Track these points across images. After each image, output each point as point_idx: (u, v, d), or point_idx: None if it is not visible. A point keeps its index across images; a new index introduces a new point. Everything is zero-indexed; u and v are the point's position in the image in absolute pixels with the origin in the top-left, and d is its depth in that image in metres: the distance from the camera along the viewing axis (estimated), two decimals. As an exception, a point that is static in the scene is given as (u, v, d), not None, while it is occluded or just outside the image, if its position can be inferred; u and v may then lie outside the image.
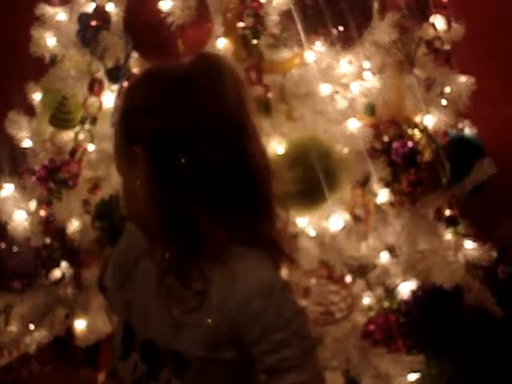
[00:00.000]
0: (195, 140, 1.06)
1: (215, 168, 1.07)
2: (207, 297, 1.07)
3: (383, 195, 1.94)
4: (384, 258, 1.94)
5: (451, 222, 2.08)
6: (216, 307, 1.07)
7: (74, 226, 1.93)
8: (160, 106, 1.08)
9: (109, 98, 1.97)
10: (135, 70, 1.93)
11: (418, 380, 1.91)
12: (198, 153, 1.06)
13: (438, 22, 2.08)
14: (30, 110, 2.18)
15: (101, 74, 1.96)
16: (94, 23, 1.94)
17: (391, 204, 1.96)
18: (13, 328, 2.04)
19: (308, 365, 1.10)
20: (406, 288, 1.94)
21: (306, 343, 1.11)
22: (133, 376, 1.14)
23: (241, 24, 1.81)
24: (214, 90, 1.08)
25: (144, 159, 1.07)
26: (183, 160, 1.06)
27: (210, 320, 1.07)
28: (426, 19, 2.08)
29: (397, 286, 1.94)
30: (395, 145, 1.95)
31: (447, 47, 2.11)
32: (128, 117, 1.12)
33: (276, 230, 1.13)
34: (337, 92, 1.89)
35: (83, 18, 2.01)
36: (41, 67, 2.14)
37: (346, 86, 1.92)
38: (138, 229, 1.16)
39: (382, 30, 1.94)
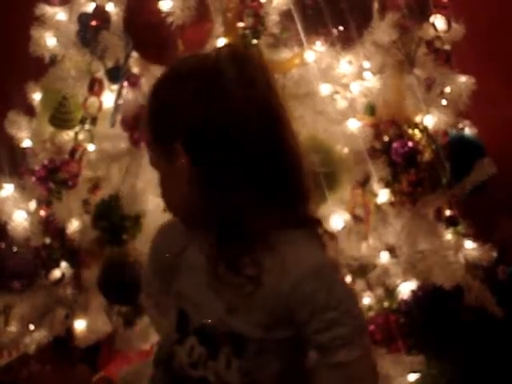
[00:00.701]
0: (234, 130, 1.09)
1: (256, 156, 1.10)
2: (261, 283, 1.10)
3: (383, 195, 1.94)
4: (384, 258, 1.94)
5: (451, 222, 2.07)
6: (269, 292, 1.10)
7: (73, 226, 1.93)
8: (196, 100, 1.10)
9: (109, 98, 1.97)
10: (135, 70, 1.93)
11: (418, 380, 1.91)
12: (238, 142, 1.09)
13: (438, 21, 2.08)
14: (29, 110, 2.18)
15: (101, 74, 1.96)
16: (93, 23, 1.94)
17: (391, 204, 1.96)
18: (12, 328, 2.04)
19: (359, 343, 1.13)
20: (406, 288, 1.94)
21: (356, 322, 1.14)
22: (189, 358, 1.17)
23: (241, 24, 1.81)
24: (247, 79, 1.11)
25: (187, 154, 1.10)
26: (226, 151, 1.09)
27: (264, 304, 1.11)
28: (426, 19, 2.08)
29: (397, 286, 1.94)
30: (395, 145, 1.95)
31: (447, 47, 2.10)
32: (163, 113, 1.13)
33: (315, 209, 1.19)
34: (337, 92, 1.89)
35: (83, 18, 2.01)
36: (41, 67, 2.14)
37: (346, 86, 1.92)
38: (180, 223, 1.20)
39: (382, 30, 1.94)
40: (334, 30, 1.87)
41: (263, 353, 1.14)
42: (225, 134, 1.09)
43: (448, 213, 2.09)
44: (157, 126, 1.15)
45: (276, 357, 1.15)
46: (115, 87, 1.94)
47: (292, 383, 1.19)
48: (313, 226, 1.18)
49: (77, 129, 1.95)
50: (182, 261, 1.21)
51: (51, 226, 1.96)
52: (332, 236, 1.20)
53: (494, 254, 2.09)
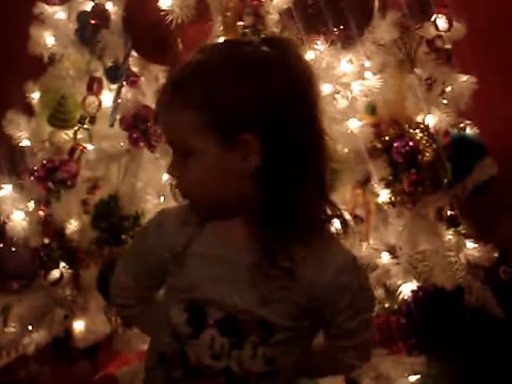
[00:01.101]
0: (292, 119, 1.10)
1: (306, 148, 1.12)
2: (296, 276, 1.13)
3: (384, 195, 1.94)
4: (385, 258, 1.93)
5: (452, 223, 2.07)
6: (306, 286, 1.15)
7: (72, 226, 1.92)
8: (258, 89, 1.09)
9: (108, 98, 1.96)
10: (134, 69, 1.92)
11: (418, 381, 1.91)
12: (294, 131, 1.11)
13: (440, 21, 2.07)
14: (28, 110, 2.17)
15: (100, 73, 1.95)
16: (93, 22, 1.93)
17: (392, 204, 1.96)
18: (11, 329, 2.03)
19: (372, 321, 1.27)
20: (406, 288, 1.94)
21: (374, 303, 1.29)
22: (210, 350, 1.17)
23: (241, 23, 1.81)
24: (293, 67, 1.13)
25: (257, 145, 1.09)
26: (293, 142, 1.10)
27: (299, 296, 1.15)
28: (427, 18, 2.07)
29: (398, 286, 1.94)
30: (396, 144, 1.94)
31: (448, 46, 2.10)
32: (231, 103, 1.09)
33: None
34: (337, 91, 1.88)
35: (82, 17, 2.00)
36: (39, 66, 2.13)
37: (346, 86, 1.91)
38: (195, 215, 1.18)
39: (383, 29, 1.93)
40: (335, 29, 1.87)
41: (290, 339, 1.18)
42: (291, 125, 1.10)
43: (449, 213, 2.09)
44: (221, 114, 1.09)
45: (297, 344, 1.20)
46: (114, 86, 1.93)
47: (302, 367, 1.25)
48: (340, 218, 1.21)
49: (76, 128, 1.94)
50: (187, 255, 1.19)
51: (50, 226, 1.95)
52: (347, 226, 1.23)
53: (495, 255, 2.09)
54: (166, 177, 1.87)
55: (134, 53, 1.90)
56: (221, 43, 1.14)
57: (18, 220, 1.99)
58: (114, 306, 1.42)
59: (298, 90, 1.12)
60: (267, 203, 1.12)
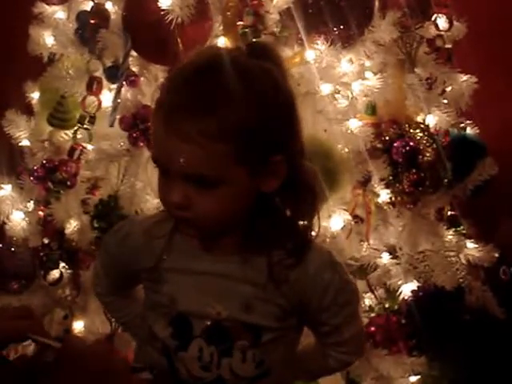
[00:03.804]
0: (299, 130, 1.13)
1: (302, 162, 1.14)
2: (286, 281, 1.14)
3: (384, 195, 1.93)
4: (385, 258, 1.93)
5: (453, 223, 2.07)
6: (290, 287, 1.15)
7: (72, 226, 1.91)
8: (278, 110, 1.08)
9: (107, 97, 1.96)
10: (134, 69, 1.92)
11: (419, 382, 1.91)
12: (300, 144, 1.13)
13: (440, 20, 2.07)
14: (28, 109, 2.17)
15: (99, 73, 1.95)
16: (92, 22, 1.93)
17: (392, 204, 1.95)
18: (11, 329, 2.03)
19: (359, 313, 1.28)
20: (407, 289, 1.93)
21: (358, 296, 1.26)
22: (200, 362, 1.16)
23: (241, 22, 1.80)
24: (285, 78, 1.12)
25: (285, 164, 1.09)
26: (301, 158, 1.13)
27: (284, 299, 1.16)
28: (428, 18, 2.07)
29: (398, 286, 1.93)
30: (396, 144, 1.94)
31: (449, 46, 2.09)
32: (259, 127, 1.05)
33: None
34: (337, 91, 1.88)
35: (82, 17, 2.00)
36: (39, 66, 2.13)
37: (346, 85, 1.90)
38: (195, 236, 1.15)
39: (383, 29, 1.92)
40: (335, 29, 1.86)
41: (278, 339, 1.18)
42: (301, 141, 1.13)
43: (449, 213, 2.09)
44: (254, 141, 1.05)
45: (285, 342, 1.20)
46: (114, 86, 1.92)
47: (289, 365, 1.24)
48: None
49: (75, 128, 1.94)
50: (162, 269, 1.18)
51: (49, 226, 1.94)
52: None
53: (496, 255, 2.09)
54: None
55: (133, 53, 1.89)
56: (220, 60, 1.07)
57: (18, 220, 1.99)
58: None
59: (295, 105, 1.12)
60: (260, 215, 1.12)
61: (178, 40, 1.77)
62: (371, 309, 1.91)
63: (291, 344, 1.24)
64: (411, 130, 1.96)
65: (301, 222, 1.17)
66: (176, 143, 1.03)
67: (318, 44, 1.85)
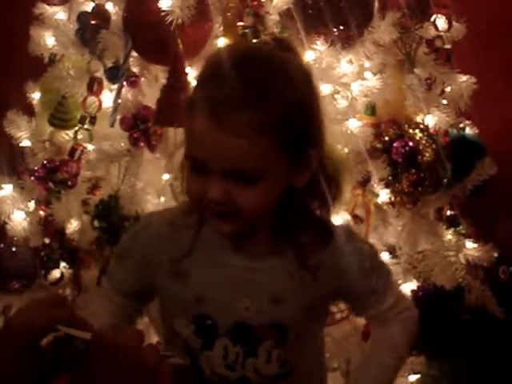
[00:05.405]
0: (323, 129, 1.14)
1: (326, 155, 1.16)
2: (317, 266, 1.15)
3: (384, 195, 1.94)
4: (384, 258, 1.93)
5: (452, 223, 2.07)
6: (325, 273, 1.16)
7: (73, 226, 1.92)
8: (313, 100, 1.11)
9: (108, 98, 1.96)
10: (135, 70, 1.92)
11: (418, 381, 1.91)
12: (323, 140, 1.14)
13: (439, 21, 2.07)
14: (28, 110, 2.17)
15: (100, 74, 1.95)
16: (93, 22, 1.93)
17: (392, 204, 1.96)
18: (11, 329, 2.03)
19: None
20: (406, 288, 1.94)
21: (387, 266, 1.30)
22: (225, 361, 1.16)
23: (241, 23, 1.80)
24: (308, 73, 1.13)
25: (317, 158, 1.10)
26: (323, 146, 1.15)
27: (320, 287, 1.17)
28: (427, 18, 2.07)
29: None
30: (396, 144, 1.94)
31: (448, 46, 2.10)
32: (296, 119, 1.06)
33: None
34: (337, 92, 1.88)
35: (82, 17, 2.00)
36: (40, 66, 2.13)
37: (346, 86, 1.91)
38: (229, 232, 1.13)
39: (383, 30, 1.93)
40: (335, 30, 1.87)
41: (304, 335, 1.18)
42: (322, 131, 1.14)
43: (449, 213, 2.09)
44: (293, 134, 1.05)
45: (309, 340, 1.20)
46: (115, 87, 1.93)
47: (316, 366, 1.26)
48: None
49: (76, 128, 1.94)
50: (188, 263, 1.16)
51: (50, 226, 1.94)
52: None
53: (495, 255, 2.09)
54: (166, 177, 1.87)
55: (134, 53, 1.90)
56: (259, 53, 1.10)
57: (19, 220, 1.99)
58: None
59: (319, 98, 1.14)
60: (288, 209, 1.13)
61: (179, 41, 1.77)
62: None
63: (315, 342, 1.24)
64: (411, 131, 1.97)
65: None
66: (222, 137, 1.01)
67: (317, 45, 1.85)
